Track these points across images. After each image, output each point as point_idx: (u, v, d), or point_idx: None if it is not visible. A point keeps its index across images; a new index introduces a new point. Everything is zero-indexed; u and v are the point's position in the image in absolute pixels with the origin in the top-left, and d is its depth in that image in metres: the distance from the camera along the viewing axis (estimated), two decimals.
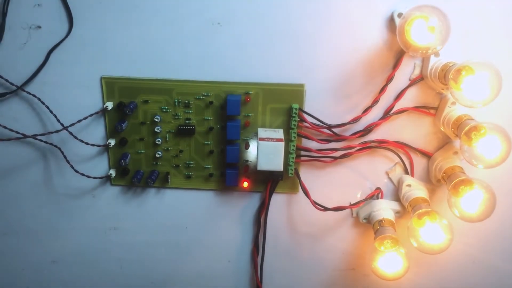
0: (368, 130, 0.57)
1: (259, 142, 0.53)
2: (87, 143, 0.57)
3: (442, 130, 0.55)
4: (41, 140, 0.58)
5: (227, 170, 0.58)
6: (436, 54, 0.52)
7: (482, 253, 0.62)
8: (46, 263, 0.67)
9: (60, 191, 0.62)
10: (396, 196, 0.59)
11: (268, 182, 0.59)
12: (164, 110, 0.57)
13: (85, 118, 0.57)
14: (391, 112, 0.56)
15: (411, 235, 0.53)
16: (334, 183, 0.59)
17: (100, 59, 0.56)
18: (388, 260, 0.55)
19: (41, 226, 0.64)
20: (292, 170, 0.57)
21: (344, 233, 0.62)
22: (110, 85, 0.57)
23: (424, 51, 0.49)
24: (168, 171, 0.60)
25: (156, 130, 0.58)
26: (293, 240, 0.63)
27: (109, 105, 0.56)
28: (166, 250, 0.65)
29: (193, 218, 0.63)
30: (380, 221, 0.57)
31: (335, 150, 0.57)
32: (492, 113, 0.54)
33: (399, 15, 0.52)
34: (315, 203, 0.57)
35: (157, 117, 0.57)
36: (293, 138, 0.56)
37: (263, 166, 0.54)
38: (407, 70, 0.55)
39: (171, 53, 0.56)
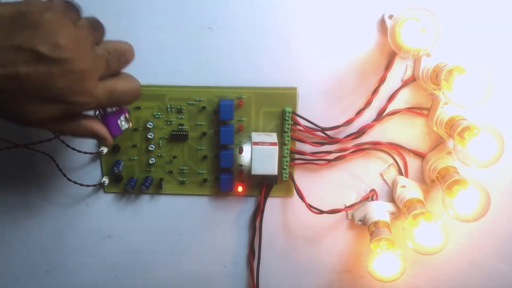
0: (361, 132, 0.57)
1: (253, 146, 0.53)
2: (79, 151, 0.57)
3: (435, 130, 0.55)
4: (32, 149, 0.57)
5: (221, 175, 0.58)
6: (428, 55, 0.52)
7: (477, 253, 0.62)
8: (41, 273, 0.66)
9: (53, 199, 0.62)
10: (391, 197, 0.59)
11: (263, 186, 0.59)
12: (157, 116, 0.57)
13: None
14: (384, 113, 0.56)
15: (407, 236, 0.53)
16: (329, 186, 0.59)
17: None
18: (384, 262, 0.55)
19: (35, 235, 0.64)
20: (286, 173, 0.57)
21: (340, 236, 0.62)
22: None
23: (415, 53, 0.49)
24: (162, 177, 0.60)
25: (149, 136, 0.57)
26: (289, 244, 0.63)
27: None
28: (161, 256, 0.64)
29: (188, 223, 0.62)
30: (376, 222, 0.57)
31: (329, 152, 0.57)
32: (484, 112, 0.54)
33: (390, 16, 0.52)
34: (310, 206, 0.57)
35: (150, 123, 0.57)
36: (286, 142, 0.56)
37: (258, 170, 0.54)
38: (399, 71, 0.55)
39: (163, 59, 0.55)
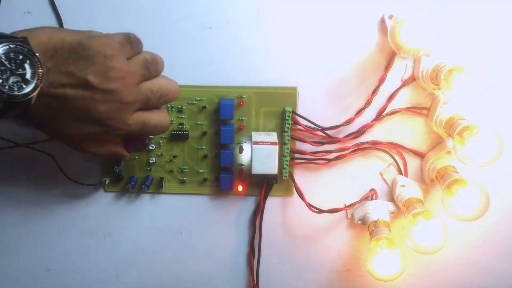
0: (361, 131, 0.57)
1: (253, 145, 0.53)
2: None
3: (435, 130, 0.55)
4: (33, 148, 0.58)
5: (221, 175, 0.58)
6: (427, 55, 0.52)
7: (476, 252, 0.62)
8: (41, 272, 0.66)
9: (54, 199, 0.62)
10: (391, 196, 0.60)
11: (263, 186, 0.59)
12: None
13: None
14: (384, 113, 0.56)
15: (406, 235, 0.53)
16: (329, 185, 0.60)
17: None
18: (384, 261, 0.55)
19: (35, 234, 0.64)
20: (286, 173, 0.57)
21: (340, 235, 0.62)
22: None
23: (415, 53, 0.50)
24: (162, 177, 0.60)
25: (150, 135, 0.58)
26: (289, 243, 0.63)
27: None
28: (161, 255, 0.64)
29: (188, 223, 0.63)
30: (375, 221, 0.57)
31: (329, 152, 0.57)
32: (484, 112, 0.55)
33: (390, 16, 0.52)
34: (310, 206, 0.57)
35: None
36: (286, 141, 0.56)
37: (258, 169, 0.54)
38: (399, 71, 0.55)
39: (163, 58, 0.55)
